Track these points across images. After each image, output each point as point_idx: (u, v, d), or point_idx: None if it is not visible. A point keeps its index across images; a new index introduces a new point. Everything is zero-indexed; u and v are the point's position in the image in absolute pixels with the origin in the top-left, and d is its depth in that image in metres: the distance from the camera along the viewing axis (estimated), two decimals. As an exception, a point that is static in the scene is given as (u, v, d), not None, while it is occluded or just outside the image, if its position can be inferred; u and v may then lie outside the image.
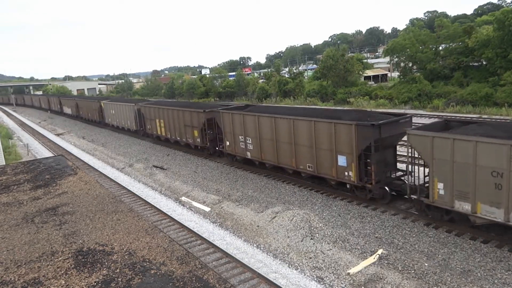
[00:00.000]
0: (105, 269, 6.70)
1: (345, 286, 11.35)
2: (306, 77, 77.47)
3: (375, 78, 74.39)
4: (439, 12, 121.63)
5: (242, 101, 69.42)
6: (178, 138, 30.73)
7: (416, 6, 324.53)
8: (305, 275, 12.16)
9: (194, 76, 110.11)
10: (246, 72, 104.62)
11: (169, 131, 31.83)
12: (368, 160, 16.13)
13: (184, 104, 34.44)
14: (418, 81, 46.00)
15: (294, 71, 69.73)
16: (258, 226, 15.63)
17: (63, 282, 6.39)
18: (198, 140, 27.88)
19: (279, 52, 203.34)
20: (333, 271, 12.07)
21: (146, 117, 35.97)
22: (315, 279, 11.87)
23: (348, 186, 17.34)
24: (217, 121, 25.40)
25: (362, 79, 64.43)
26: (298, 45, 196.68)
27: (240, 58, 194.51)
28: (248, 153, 22.85)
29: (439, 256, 12.27)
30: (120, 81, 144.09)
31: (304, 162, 18.81)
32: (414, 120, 22.53)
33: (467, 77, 44.76)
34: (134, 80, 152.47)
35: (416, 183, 14.61)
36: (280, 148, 20.19)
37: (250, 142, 22.40)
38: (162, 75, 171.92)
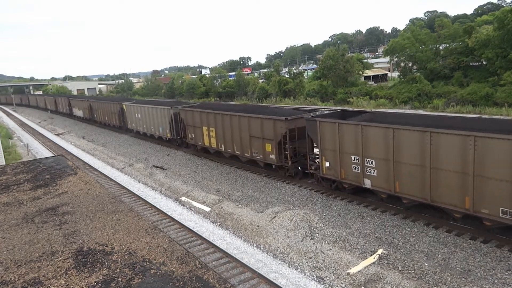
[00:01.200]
0: (105, 269, 6.70)
1: (345, 286, 11.35)
2: (306, 77, 77.54)
3: (375, 78, 74.47)
4: (439, 12, 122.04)
5: (242, 101, 69.45)
6: (238, 153, 23.93)
7: (416, 6, 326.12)
8: (305, 275, 12.16)
9: (194, 76, 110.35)
10: (246, 72, 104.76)
11: (224, 142, 25.21)
12: None
13: (246, 108, 26.38)
14: (418, 81, 46.05)
15: (294, 71, 69.82)
16: (258, 226, 15.63)
17: (63, 282, 6.39)
18: (272, 156, 21.21)
19: (279, 52, 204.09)
20: (333, 271, 12.07)
21: (187, 124, 29.25)
22: (315, 279, 11.87)
23: None
24: (309, 133, 18.98)
25: (362, 79, 64.51)
26: (298, 45, 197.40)
27: (240, 58, 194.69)
28: (367, 181, 16.37)
29: (439, 256, 12.28)
30: (120, 81, 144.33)
31: (495, 205, 12.29)
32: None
33: (467, 77, 44.80)
34: (134, 80, 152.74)
35: None
36: (438, 178, 13.58)
37: (373, 165, 15.96)
38: (162, 75, 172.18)
